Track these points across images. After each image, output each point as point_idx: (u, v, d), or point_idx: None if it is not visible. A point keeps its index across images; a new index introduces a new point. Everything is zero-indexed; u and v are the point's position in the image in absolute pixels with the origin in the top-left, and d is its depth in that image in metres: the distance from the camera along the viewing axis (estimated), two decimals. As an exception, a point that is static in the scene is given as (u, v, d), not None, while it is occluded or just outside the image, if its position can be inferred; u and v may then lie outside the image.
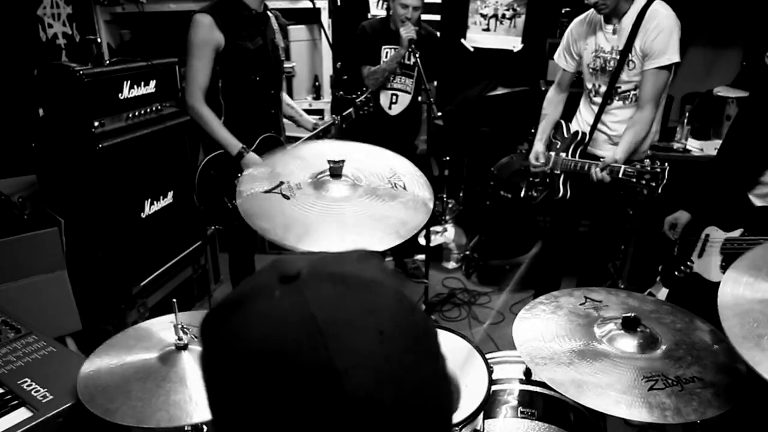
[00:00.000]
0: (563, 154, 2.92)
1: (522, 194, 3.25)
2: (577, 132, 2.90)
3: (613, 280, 3.57)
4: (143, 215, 2.88)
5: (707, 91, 3.85)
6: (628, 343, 1.52)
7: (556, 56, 3.00)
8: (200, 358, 0.61)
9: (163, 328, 1.56)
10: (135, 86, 2.79)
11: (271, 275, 0.57)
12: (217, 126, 2.62)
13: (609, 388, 1.38)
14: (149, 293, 2.97)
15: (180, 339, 1.47)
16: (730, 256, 2.22)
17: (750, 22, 4.16)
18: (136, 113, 2.80)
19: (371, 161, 2.00)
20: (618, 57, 2.63)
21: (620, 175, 2.49)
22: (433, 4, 4.56)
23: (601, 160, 2.63)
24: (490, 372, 1.68)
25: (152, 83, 2.90)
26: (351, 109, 2.95)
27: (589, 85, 2.83)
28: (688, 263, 2.44)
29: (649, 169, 2.38)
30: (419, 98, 3.75)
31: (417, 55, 3.35)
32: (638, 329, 1.54)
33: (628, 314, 1.55)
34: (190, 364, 1.44)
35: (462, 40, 4.77)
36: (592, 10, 2.71)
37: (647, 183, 2.39)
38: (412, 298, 0.60)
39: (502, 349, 2.08)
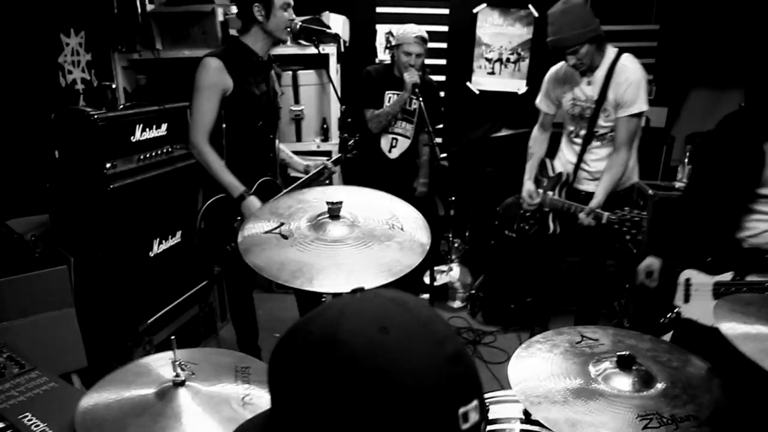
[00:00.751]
0: (550, 193, 3.15)
1: (515, 228, 3.45)
2: (561, 173, 3.15)
3: (618, 318, 3.56)
4: (151, 254, 2.94)
5: (708, 131, 3.89)
6: (624, 382, 1.52)
7: (537, 101, 3.25)
8: (281, 366, 0.69)
9: (162, 364, 1.57)
10: (147, 129, 2.88)
11: (342, 298, 0.70)
12: (221, 167, 2.69)
13: (603, 427, 1.37)
14: (156, 331, 3.00)
15: (177, 375, 1.49)
16: None
17: (750, 63, 4.23)
18: (147, 155, 2.88)
19: (371, 204, 2.05)
20: (594, 106, 2.91)
21: (603, 221, 2.74)
22: (439, 49, 4.69)
23: (587, 207, 2.85)
24: (485, 411, 1.68)
25: (164, 126, 3.00)
26: (338, 156, 3.00)
27: (570, 128, 3.10)
28: (675, 310, 2.38)
29: (628, 217, 2.64)
30: (421, 142, 3.83)
31: (420, 99, 3.44)
32: (633, 367, 1.54)
33: (623, 352, 1.55)
34: (186, 401, 1.45)
35: (468, 83, 4.88)
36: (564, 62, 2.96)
37: (628, 231, 2.65)
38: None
39: (506, 389, 2.08)
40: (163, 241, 3.02)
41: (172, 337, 1.52)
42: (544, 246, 3.37)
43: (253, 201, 2.69)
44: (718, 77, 4.47)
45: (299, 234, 1.86)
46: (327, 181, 3.06)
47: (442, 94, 4.35)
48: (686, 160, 3.57)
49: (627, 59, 2.85)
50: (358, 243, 1.80)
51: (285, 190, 2.89)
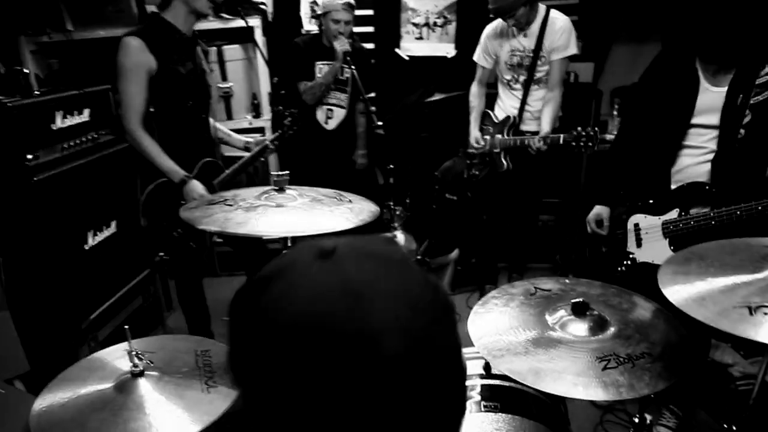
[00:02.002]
0: (499, 136, 3.49)
1: (465, 175, 3.76)
2: (508, 117, 3.49)
3: (561, 271, 3.70)
4: (86, 247, 2.80)
5: (632, 84, 4.03)
6: (580, 328, 1.57)
7: (476, 57, 3.61)
8: (230, 334, 0.63)
9: (117, 357, 1.52)
10: (68, 116, 2.71)
11: (306, 252, 0.63)
12: (158, 153, 2.58)
13: (565, 372, 1.42)
14: (99, 327, 2.87)
15: (135, 366, 1.44)
16: (675, 237, 2.29)
17: (667, 15, 4.39)
18: (71, 143, 2.71)
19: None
20: (531, 55, 3.33)
21: (561, 143, 3.05)
22: (365, 16, 4.62)
23: (539, 134, 3.22)
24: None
25: (86, 112, 2.83)
26: (279, 133, 2.91)
27: (508, 77, 3.48)
28: (630, 256, 2.44)
29: (584, 133, 2.93)
30: (357, 111, 3.80)
31: (353, 68, 3.39)
32: (587, 313, 1.60)
33: (577, 300, 1.61)
34: (147, 390, 1.41)
35: (396, 50, 4.85)
36: (500, 20, 3.37)
37: (585, 144, 2.92)
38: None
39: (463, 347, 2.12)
40: (98, 233, 2.88)
41: (126, 327, 1.46)
42: (497, 187, 3.63)
43: (196, 185, 2.62)
44: (637, 31, 4.63)
45: (245, 202, 1.83)
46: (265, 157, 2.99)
47: (372, 61, 4.31)
48: (615, 113, 3.71)
49: (555, 12, 3.31)
50: (306, 206, 1.80)
51: (228, 170, 2.81)
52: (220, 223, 1.65)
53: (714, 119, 2.16)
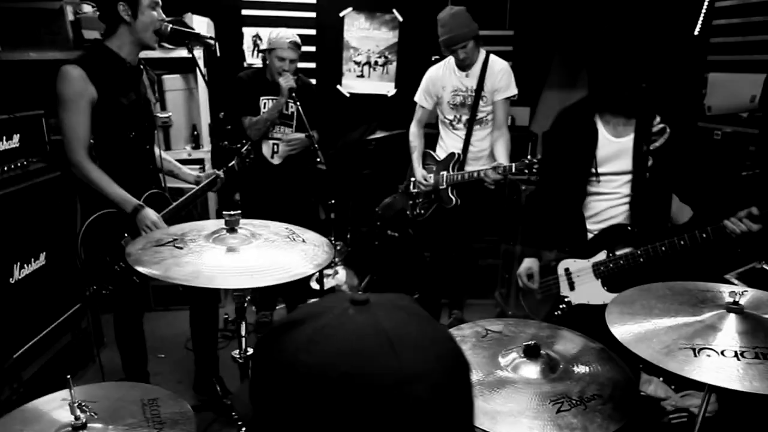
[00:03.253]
0: (445, 173, 3.56)
1: (410, 213, 3.77)
2: (453, 153, 3.57)
3: (502, 307, 3.77)
4: (12, 280, 2.62)
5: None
6: (532, 370, 1.61)
7: (417, 98, 3.70)
8: (258, 372, 0.66)
9: (54, 407, 1.41)
10: (-4, 141, 2.57)
11: (339, 300, 0.66)
12: (108, 182, 2.49)
13: (520, 415, 1.44)
14: (24, 366, 2.69)
15: (77, 418, 1.34)
16: (607, 277, 2.37)
17: (591, 64, 4.66)
18: (-1, 170, 2.56)
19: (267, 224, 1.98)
20: (474, 94, 3.45)
21: (514, 171, 3.16)
22: (308, 52, 4.65)
23: (493, 165, 3.29)
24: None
25: (15, 138, 2.68)
26: (235, 161, 2.91)
27: (450, 117, 3.57)
28: (565, 300, 2.48)
29: (535, 161, 3.06)
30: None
31: (298, 104, 3.39)
32: (539, 355, 1.63)
33: (529, 342, 1.64)
34: (90, 445, 1.32)
35: (338, 87, 4.90)
36: (443, 61, 3.57)
37: (537, 172, 3.00)
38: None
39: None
40: (25, 265, 2.70)
41: (68, 377, 1.36)
42: (440, 223, 3.68)
43: (149, 213, 2.54)
44: (566, 78, 4.90)
45: (195, 245, 1.76)
46: (215, 190, 2.95)
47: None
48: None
49: (494, 57, 3.49)
50: (258, 248, 1.75)
51: (176, 202, 2.74)
52: (169, 270, 1.57)
53: (624, 166, 2.30)
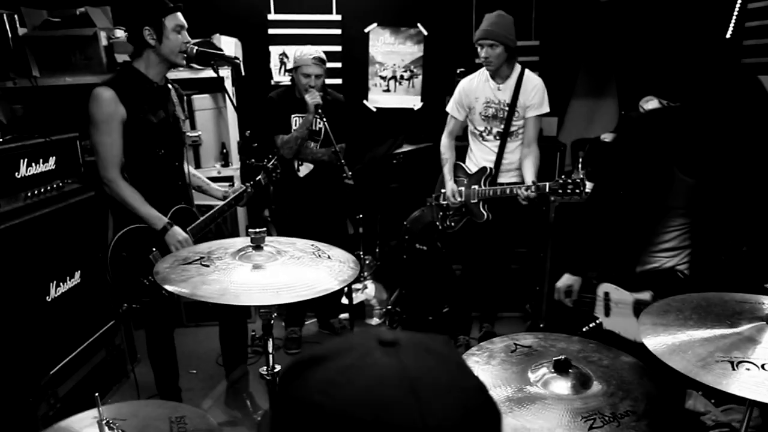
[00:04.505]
0: (476, 187, 3.52)
1: (440, 226, 3.72)
2: (485, 167, 3.53)
3: (532, 321, 3.71)
4: (48, 299, 2.68)
5: (595, 137, 4.18)
6: (562, 386, 1.56)
7: (449, 108, 3.67)
8: (276, 410, 0.64)
9: (85, 425, 1.43)
10: (33, 164, 2.64)
11: (368, 338, 0.63)
12: (139, 200, 2.56)
13: (552, 432, 1.41)
14: (60, 382, 2.74)
15: (106, 435, 1.36)
16: None
17: (621, 74, 4.60)
18: (36, 192, 2.63)
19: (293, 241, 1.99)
20: (507, 108, 3.43)
21: (547, 191, 3.08)
22: (333, 68, 4.70)
23: (525, 183, 3.24)
24: None
25: (52, 160, 2.76)
26: (261, 175, 2.95)
27: (481, 128, 3.54)
28: (596, 320, 2.38)
29: (570, 181, 2.99)
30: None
31: (324, 120, 3.42)
32: (570, 370, 1.59)
33: (559, 357, 1.61)
34: (119, 463, 1.33)
35: (364, 101, 4.92)
36: (477, 72, 3.54)
37: (572, 192, 2.97)
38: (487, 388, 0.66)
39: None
40: (61, 284, 2.77)
41: (96, 395, 1.38)
42: (469, 237, 3.64)
43: (177, 231, 2.60)
44: (593, 87, 4.83)
45: (222, 263, 1.77)
46: (243, 205, 2.99)
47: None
48: (579, 165, 3.81)
49: (530, 73, 3.47)
50: (283, 265, 1.75)
51: (204, 217, 2.78)
52: (196, 288, 1.58)
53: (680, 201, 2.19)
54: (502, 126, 3.46)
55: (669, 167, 2.17)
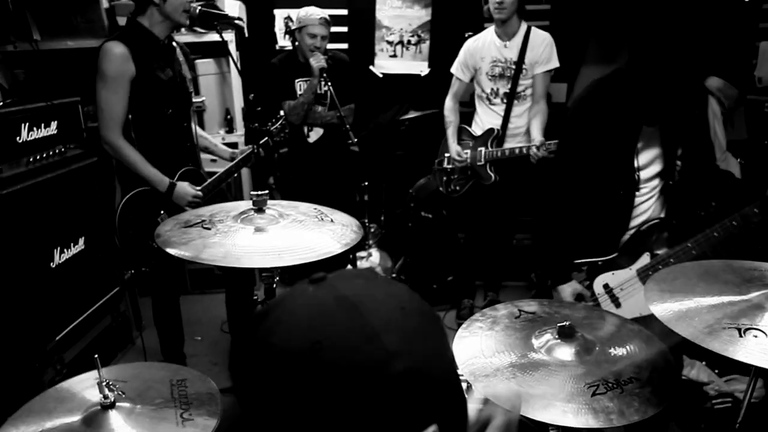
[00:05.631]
0: (482, 149, 3.47)
1: (444, 190, 3.69)
2: (491, 129, 3.47)
3: (537, 288, 3.69)
4: (53, 265, 2.69)
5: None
6: (566, 352, 1.55)
7: (453, 69, 3.60)
8: (236, 366, 0.67)
9: (86, 386, 1.44)
10: (34, 128, 2.62)
11: (299, 284, 0.68)
12: (141, 162, 2.54)
13: (554, 398, 1.39)
14: (66, 348, 2.77)
15: (106, 397, 1.36)
16: None
17: (633, 35, 4.48)
18: (38, 157, 2.61)
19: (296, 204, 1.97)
20: (514, 66, 3.36)
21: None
22: (340, 33, 4.61)
23: (535, 143, 3.17)
24: None
25: (53, 124, 2.74)
26: (267, 138, 2.90)
27: (488, 90, 3.47)
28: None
29: None
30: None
31: (329, 84, 3.36)
32: (574, 336, 1.58)
33: (563, 323, 1.59)
34: (118, 424, 1.33)
35: (371, 67, 4.84)
36: (483, 32, 3.49)
37: None
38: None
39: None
40: (65, 250, 2.77)
41: (96, 356, 1.38)
42: (475, 203, 3.61)
43: (185, 187, 2.60)
44: (604, 53, 4.72)
45: (223, 226, 1.75)
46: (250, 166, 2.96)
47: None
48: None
49: (536, 30, 3.39)
50: (286, 228, 1.73)
51: (212, 178, 2.75)
52: (198, 251, 1.57)
53: (653, 153, 2.11)
54: (509, 86, 3.39)
55: (635, 121, 2.07)
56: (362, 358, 0.59)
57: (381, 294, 0.67)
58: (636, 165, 2.10)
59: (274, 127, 2.91)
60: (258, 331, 0.64)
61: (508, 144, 3.45)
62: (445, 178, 3.68)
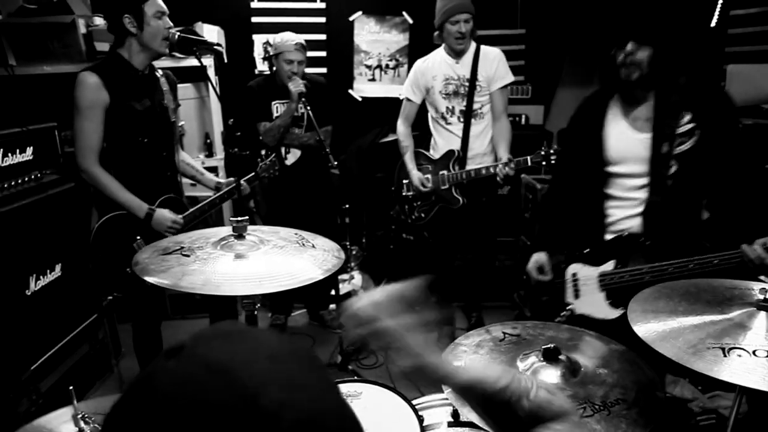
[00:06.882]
0: (445, 172, 3.42)
1: (409, 221, 3.62)
2: (451, 150, 3.42)
3: (520, 309, 3.70)
4: (28, 292, 2.62)
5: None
6: (552, 374, 1.55)
7: (404, 91, 3.58)
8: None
9: (63, 421, 1.39)
10: (9, 154, 2.57)
11: (156, 361, 0.60)
12: (118, 188, 2.52)
13: (541, 421, 1.39)
14: (42, 377, 2.69)
15: (81, 431, 1.32)
16: (612, 291, 2.20)
17: (604, 61, 4.58)
18: (13, 183, 2.57)
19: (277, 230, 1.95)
20: (467, 84, 3.32)
21: (529, 164, 3.06)
22: (319, 57, 4.64)
23: (502, 161, 3.16)
24: (421, 420, 1.66)
25: (29, 150, 2.70)
26: (252, 174, 2.93)
27: (443, 108, 3.41)
28: (567, 307, 2.32)
29: (552, 151, 2.98)
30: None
31: (308, 108, 3.37)
32: (559, 358, 1.58)
33: (548, 345, 1.59)
34: (97, 459, 1.29)
35: (350, 91, 4.88)
36: (431, 53, 3.46)
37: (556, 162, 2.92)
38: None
39: (426, 394, 2.06)
40: (41, 277, 2.71)
41: (71, 388, 1.34)
42: (454, 225, 3.54)
43: (164, 213, 2.57)
44: (579, 76, 4.81)
45: (203, 252, 1.73)
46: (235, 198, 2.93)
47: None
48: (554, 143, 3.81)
49: (485, 46, 3.38)
50: (266, 254, 1.71)
51: (193, 208, 2.73)
52: (177, 278, 1.53)
53: (640, 167, 2.12)
54: (465, 103, 3.34)
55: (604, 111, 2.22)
56: (249, 424, 0.54)
57: (248, 347, 0.62)
58: (607, 160, 2.20)
59: (263, 163, 2.91)
60: (135, 414, 0.58)
61: (471, 165, 3.38)
62: (407, 206, 3.61)
